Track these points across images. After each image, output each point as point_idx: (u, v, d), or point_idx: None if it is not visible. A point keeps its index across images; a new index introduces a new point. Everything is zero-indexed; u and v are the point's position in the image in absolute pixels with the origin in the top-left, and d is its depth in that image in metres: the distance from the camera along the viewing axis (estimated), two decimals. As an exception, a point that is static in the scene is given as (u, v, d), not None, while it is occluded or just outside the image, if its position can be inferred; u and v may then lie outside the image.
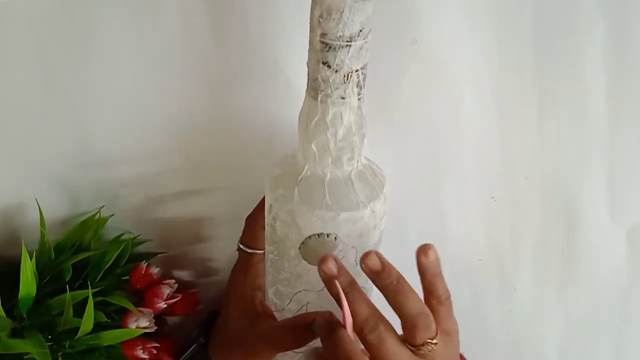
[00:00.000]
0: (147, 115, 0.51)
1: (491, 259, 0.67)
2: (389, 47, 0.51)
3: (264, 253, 0.50)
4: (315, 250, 0.42)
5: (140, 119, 0.51)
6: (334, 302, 0.40)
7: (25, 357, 0.48)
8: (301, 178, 0.43)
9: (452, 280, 0.66)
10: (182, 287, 0.56)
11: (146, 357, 0.52)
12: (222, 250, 0.60)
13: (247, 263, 0.54)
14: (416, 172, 0.59)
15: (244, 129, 0.53)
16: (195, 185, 0.57)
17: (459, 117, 0.57)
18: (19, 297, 0.47)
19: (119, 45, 0.47)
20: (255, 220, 0.53)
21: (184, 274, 0.63)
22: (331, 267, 0.39)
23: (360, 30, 0.37)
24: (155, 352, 0.53)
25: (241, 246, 0.54)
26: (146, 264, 0.54)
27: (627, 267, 0.70)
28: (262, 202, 0.49)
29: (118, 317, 0.52)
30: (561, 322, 0.73)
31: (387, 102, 0.54)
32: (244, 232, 0.54)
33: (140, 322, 0.51)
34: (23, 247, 0.46)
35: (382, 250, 0.60)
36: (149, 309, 0.52)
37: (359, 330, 0.38)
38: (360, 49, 0.37)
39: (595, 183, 0.62)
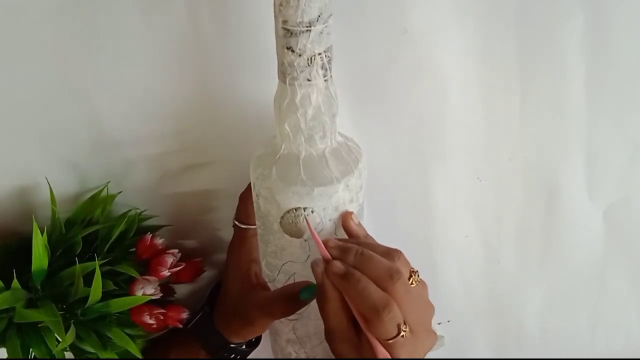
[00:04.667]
0: (153, 99, 0.51)
1: (476, 235, 0.67)
2: (380, 36, 0.51)
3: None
4: (294, 223, 0.43)
5: (147, 103, 0.51)
6: None
7: (40, 325, 0.48)
8: (279, 157, 0.43)
9: (440, 255, 0.68)
10: (187, 256, 0.56)
11: (153, 322, 0.52)
12: (225, 221, 0.60)
13: (241, 238, 0.55)
14: (406, 155, 0.59)
15: (243, 111, 0.53)
16: (198, 163, 0.57)
17: (447, 103, 0.56)
18: (32, 270, 0.47)
19: (128, 34, 0.47)
20: (247, 197, 0.53)
21: (189, 245, 0.63)
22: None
23: (319, 16, 0.37)
24: (162, 318, 0.53)
25: (236, 222, 0.55)
26: (151, 235, 0.54)
27: (603, 243, 0.70)
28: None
29: (126, 286, 0.52)
30: (541, 293, 0.74)
31: (378, 88, 0.54)
32: (237, 208, 0.55)
33: (146, 290, 0.51)
34: (34, 223, 0.46)
35: (372, 226, 0.61)
36: (154, 277, 0.52)
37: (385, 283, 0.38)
38: (321, 33, 0.37)
39: (575, 165, 0.63)
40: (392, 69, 0.53)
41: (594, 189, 0.65)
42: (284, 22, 0.37)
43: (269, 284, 0.51)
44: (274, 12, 0.38)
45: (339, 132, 0.44)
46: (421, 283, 0.40)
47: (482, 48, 0.53)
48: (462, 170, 0.62)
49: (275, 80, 0.41)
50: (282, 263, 0.47)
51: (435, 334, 0.40)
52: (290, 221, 0.43)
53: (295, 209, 0.42)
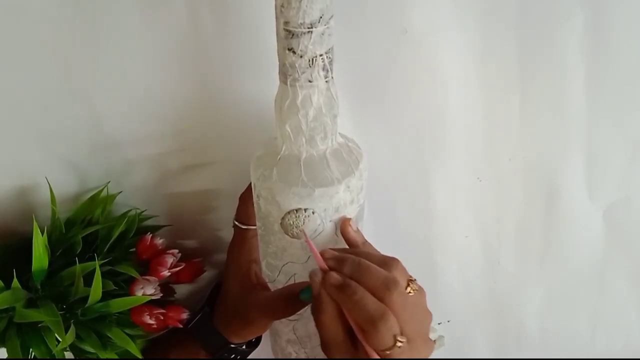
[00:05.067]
0: (153, 99, 0.51)
1: (476, 236, 0.67)
2: (380, 36, 0.51)
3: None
4: (295, 224, 0.43)
5: (147, 103, 0.51)
6: None
7: (40, 325, 0.48)
8: (279, 158, 0.43)
9: (440, 255, 0.68)
10: (187, 256, 0.56)
11: (153, 322, 0.52)
12: (225, 221, 0.60)
13: (242, 238, 0.55)
14: (406, 155, 0.59)
15: (243, 111, 0.53)
16: (198, 163, 0.57)
17: (447, 103, 0.56)
18: (32, 270, 0.47)
19: (128, 34, 0.46)
20: (247, 198, 0.53)
21: (189, 245, 0.63)
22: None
23: (321, 17, 0.37)
24: (162, 318, 0.53)
25: (236, 223, 0.55)
26: (151, 235, 0.54)
27: (603, 243, 0.70)
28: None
29: (126, 286, 0.52)
30: (541, 293, 0.74)
31: (378, 88, 0.54)
32: (238, 209, 0.55)
33: (146, 290, 0.51)
34: (34, 223, 0.46)
35: (372, 226, 0.61)
36: (154, 277, 0.52)
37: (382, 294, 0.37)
38: (322, 34, 0.37)
39: (575, 165, 0.63)
40: (392, 69, 0.53)
41: (594, 189, 0.65)
42: (286, 23, 0.37)
43: (270, 285, 0.51)
44: (275, 13, 0.38)
45: (339, 133, 0.44)
46: (419, 291, 0.39)
47: (482, 48, 0.53)
48: (462, 170, 0.61)
49: (275, 81, 0.41)
50: (282, 264, 0.47)
51: (433, 342, 0.40)
52: (291, 222, 0.43)
53: (297, 210, 0.42)
